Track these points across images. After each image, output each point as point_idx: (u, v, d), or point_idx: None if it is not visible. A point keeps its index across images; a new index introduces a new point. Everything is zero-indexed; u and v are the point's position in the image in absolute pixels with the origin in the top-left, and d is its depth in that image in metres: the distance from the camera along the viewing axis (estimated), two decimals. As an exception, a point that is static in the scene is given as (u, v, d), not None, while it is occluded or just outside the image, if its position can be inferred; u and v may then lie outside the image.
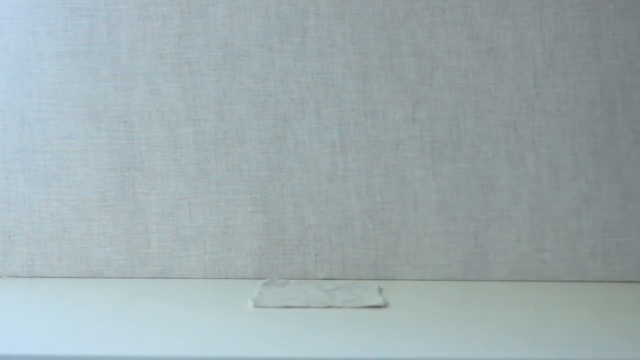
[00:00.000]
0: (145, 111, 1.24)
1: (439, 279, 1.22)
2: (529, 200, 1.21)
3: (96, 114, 1.24)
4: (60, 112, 1.25)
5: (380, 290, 1.14)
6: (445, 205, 1.22)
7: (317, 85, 1.23)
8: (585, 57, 1.20)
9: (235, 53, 1.23)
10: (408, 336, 0.96)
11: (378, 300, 1.07)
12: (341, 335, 0.98)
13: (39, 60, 1.24)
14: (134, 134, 1.24)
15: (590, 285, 1.19)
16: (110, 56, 1.24)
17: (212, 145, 1.24)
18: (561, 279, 1.21)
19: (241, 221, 1.23)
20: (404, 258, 1.13)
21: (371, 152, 1.22)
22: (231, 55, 1.23)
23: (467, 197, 1.21)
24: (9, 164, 1.25)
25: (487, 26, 1.21)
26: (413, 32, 1.22)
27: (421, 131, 1.22)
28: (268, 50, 1.23)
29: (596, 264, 1.21)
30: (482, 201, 1.21)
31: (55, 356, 0.89)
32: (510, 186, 1.21)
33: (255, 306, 1.06)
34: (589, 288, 1.18)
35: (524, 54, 1.21)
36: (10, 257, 1.25)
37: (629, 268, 1.20)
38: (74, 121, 1.25)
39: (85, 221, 1.25)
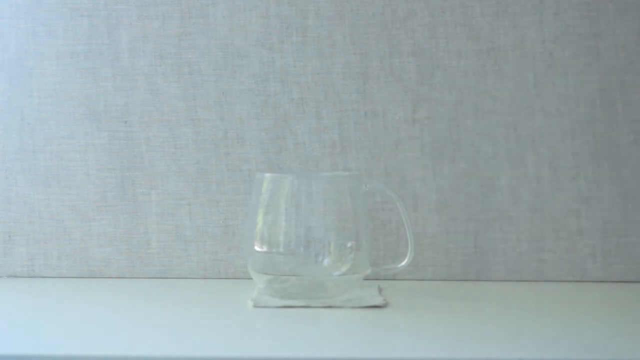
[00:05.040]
0: (145, 111, 1.24)
1: (439, 279, 1.22)
2: (529, 200, 1.21)
3: (96, 114, 1.24)
4: (60, 112, 1.25)
5: (380, 290, 1.14)
6: (445, 205, 1.22)
7: (317, 85, 1.23)
8: (585, 57, 1.20)
9: (235, 53, 1.23)
10: (408, 336, 0.96)
11: (378, 300, 1.07)
12: (341, 335, 0.98)
13: (39, 60, 1.25)
14: (134, 134, 1.24)
15: (590, 285, 1.20)
16: (110, 56, 1.24)
17: (212, 145, 1.24)
18: (561, 279, 1.21)
19: (241, 221, 1.23)
20: (404, 258, 1.13)
21: (371, 152, 1.22)
22: (231, 55, 1.23)
23: (467, 197, 1.21)
24: (9, 164, 1.25)
25: (487, 26, 1.21)
26: (413, 32, 1.22)
27: (421, 131, 1.22)
28: (268, 50, 1.23)
29: (596, 264, 1.21)
30: (482, 201, 1.21)
31: (55, 356, 0.89)
32: (510, 186, 1.21)
33: (255, 306, 1.06)
34: (589, 288, 1.18)
35: (524, 54, 1.21)
36: (10, 257, 1.26)
37: (629, 268, 1.21)
38: (74, 121, 1.25)
39: (85, 221, 1.25)
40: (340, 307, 1.06)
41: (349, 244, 1.08)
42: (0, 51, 1.25)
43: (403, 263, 1.12)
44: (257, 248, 1.08)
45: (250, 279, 1.17)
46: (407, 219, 1.11)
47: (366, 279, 1.13)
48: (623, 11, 1.20)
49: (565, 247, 1.21)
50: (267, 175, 1.09)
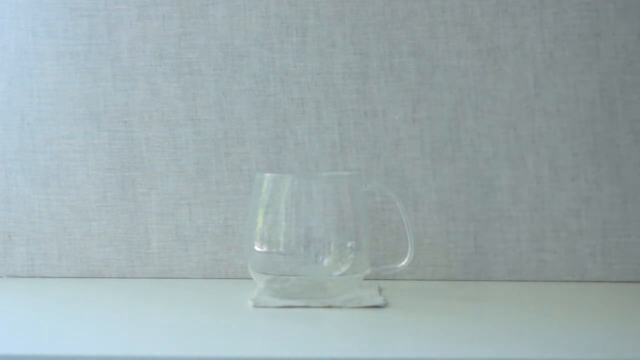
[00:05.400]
0: (145, 111, 1.24)
1: (439, 279, 1.22)
2: (529, 200, 1.21)
3: (96, 114, 1.24)
4: (60, 112, 1.25)
5: (380, 290, 1.14)
6: (445, 205, 1.22)
7: (317, 85, 1.23)
8: (585, 57, 1.20)
9: (235, 53, 1.23)
10: (408, 336, 0.96)
11: (378, 300, 1.07)
12: (341, 335, 0.98)
13: (39, 60, 1.25)
14: (134, 134, 1.24)
15: (590, 285, 1.19)
16: (110, 56, 1.24)
17: (212, 145, 1.24)
18: (561, 279, 1.21)
19: (241, 221, 1.23)
20: (404, 258, 1.13)
21: (371, 152, 1.22)
22: (231, 55, 1.23)
23: (467, 197, 1.21)
24: (9, 164, 1.25)
25: (487, 26, 1.21)
26: (413, 32, 1.22)
27: (421, 131, 1.22)
28: (268, 50, 1.23)
29: (596, 264, 1.21)
30: (482, 201, 1.21)
31: (55, 356, 0.89)
32: (510, 186, 1.21)
33: (255, 306, 1.06)
34: (589, 288, 1.18)
35: (524, 54, 1.21)
36: (10, 257, 1.25)
37: (629, 268, 1.20)
38: (74, 121, 1.25)
39: (85, 221, 1.25)
40: (340, 307, 1.06)
41: (349, 244, 1.08)
42: (0, 51, 1.25)
43: (403, 263, 1.12)
44: (257, 248, 1.08)
45: (250, 279, 1.16)
46: (407, 219, 1.11)
47: (366, 279, 1.13)
48: (623, 11, 1.20)
49: (565, 247, 1.21)
50: (267, 175, 1.09)
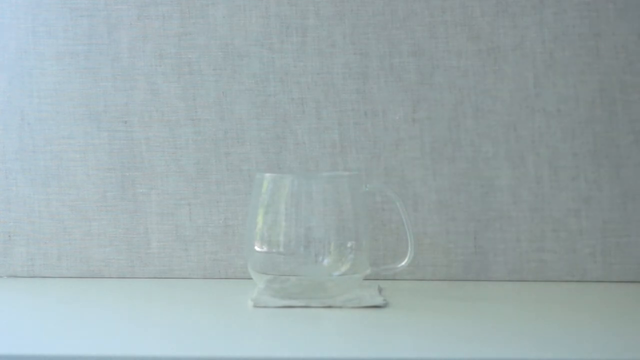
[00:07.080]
0: (145, 111, 1.24)
1: (439, 279, 1.22)
2: (529, 200, 1.21)
3: (96, 114, 1.24)
4: (60, 112, 1.25)
5: (380, 290, 1.14)
6: (445, 205, 1.22)
7: (317, 85, 1.23)
8: (585, 57, 1.20)
9: (235, 53, 1.23)
10: (408, 336, 0.96)
11: (378, 300, 1.07)
12: (341, 335, 0.98)
13: (39, 60, 1.25)
14: (134, 134, 1.24)
15: (590, 285, 1.20)
16: (110, 56, 1.24)
17: (212, 145, 1.24)
18: (561, 279, 1.21)
19: (241, 221, 1.23)
20: (404, 258, 1.13)
21: (371, 152, 1.22)
22: (231, 55, 1.23)
23: (467, 197, 1.21)
24: (9, 164, 1.25)
25: (487, 26, 1.21)
26: (413, 32, 1.22)
27: (421, 131, 1.22)
28: (268, 50, 1.23)
29: (596, 264, 1.21)
30: (482, 201, 1.21)
31: (55, 356, 0.89)
32: (510, 186, 1.21)
33: (255, 306, 1.06)
34: (589, 288, 1.18)
35: (524, 54, 1.21)
36: (10, 257, 1.26)
37: (629, 268, 1.20)
38: (74, 121, 1.25)
39: (85, 221, 1.25)
40: (340, 307, 1.06)
41: (349, 244, 1.08)
42: (0, 51, 1.25)
43: (403, 263, 1.12)
44: (257, 248, 1.08)
45: (250, 279, 1.16)
46: (407, 219, 1.11)
47: (366, 279, 1.13)
48: (623, 11, 1.20)
49: (565, 247, 1.21)
50: (267, 175, 1.09)
